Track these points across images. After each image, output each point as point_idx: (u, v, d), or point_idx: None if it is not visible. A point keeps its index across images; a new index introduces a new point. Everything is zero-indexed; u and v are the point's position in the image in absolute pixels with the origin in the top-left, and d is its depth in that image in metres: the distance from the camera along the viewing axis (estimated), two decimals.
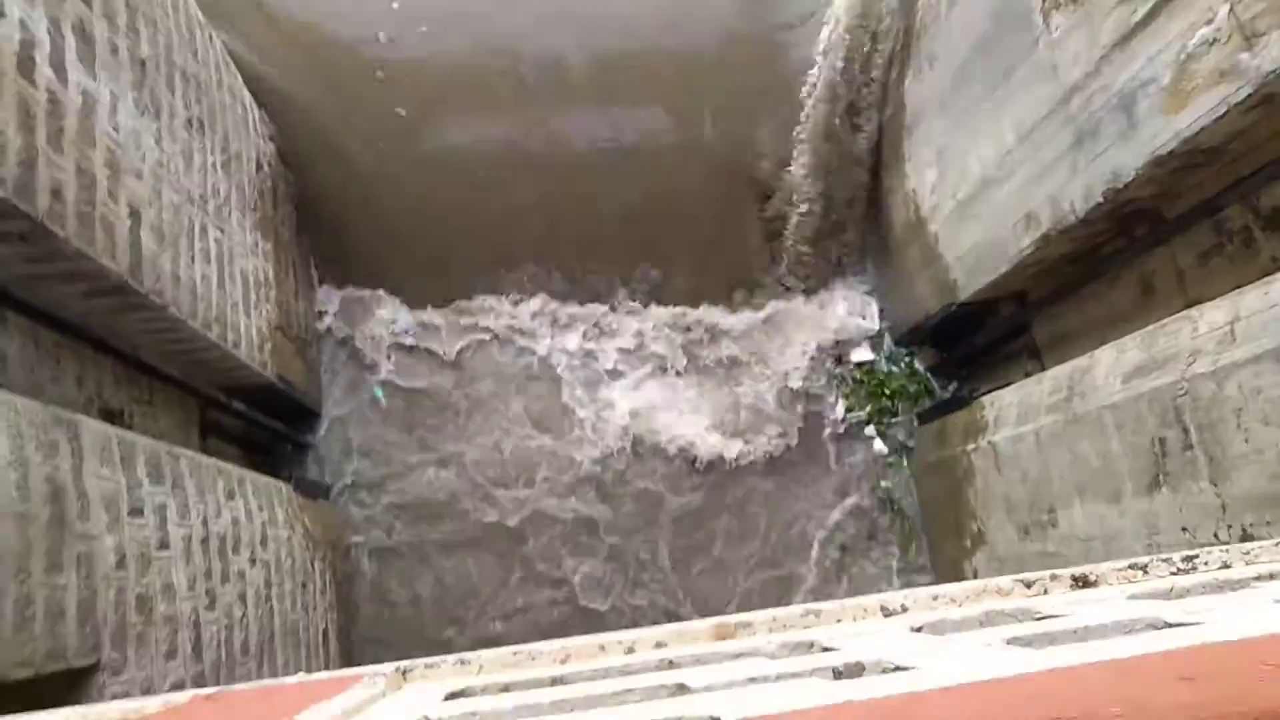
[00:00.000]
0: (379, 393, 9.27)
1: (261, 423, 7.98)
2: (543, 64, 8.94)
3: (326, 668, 7.53)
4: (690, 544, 9.34)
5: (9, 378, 4.69)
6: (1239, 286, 4.93)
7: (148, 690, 4.59)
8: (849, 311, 9.79)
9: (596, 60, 9.01)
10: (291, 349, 8.19)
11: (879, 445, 9.54)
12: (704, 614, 9.03)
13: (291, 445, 8.77)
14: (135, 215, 5.28)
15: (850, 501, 9.44)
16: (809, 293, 9.97)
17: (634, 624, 8.90)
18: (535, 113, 9.17)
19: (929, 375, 9.66)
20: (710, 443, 9.42)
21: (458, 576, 9.04)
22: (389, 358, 9.37)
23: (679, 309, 9.80)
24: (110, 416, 5.60)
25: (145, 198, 5.44)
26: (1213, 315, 4.91)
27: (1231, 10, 4.60)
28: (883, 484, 9.46)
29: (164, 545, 5.00)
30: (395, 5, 8.56)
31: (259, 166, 7.86)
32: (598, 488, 9.35)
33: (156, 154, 5.67)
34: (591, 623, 8.89)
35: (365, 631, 8.74)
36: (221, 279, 6.60)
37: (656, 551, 9.29)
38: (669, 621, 8.90)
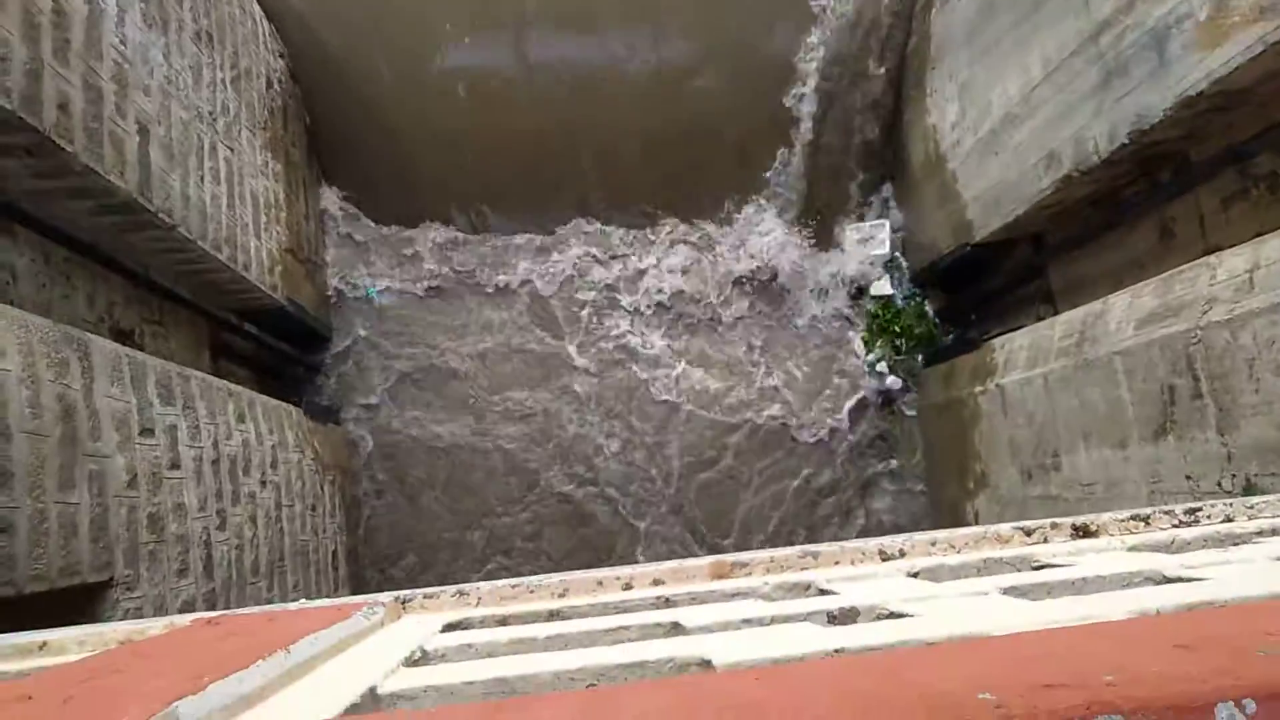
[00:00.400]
0: (372, 291, 9.32)
1: (272, 346, 8.01)
2: None
3: (335, 589, 7.70)
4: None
5: (19, 294, 4.69)
6: (1261, 234, 4.83)
7: (160, 606, 4.70)
8: (861, 239, 9.69)
9: None
10: (302, 272, 8.17)
11: (892, 380, 9.54)
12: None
13: (302, 369, 8.82)
14: (144, 132, 5.22)
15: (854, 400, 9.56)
16: (823, 222, 9.83)
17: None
18: (548, 33, 8.97)
19: (935, 319, 9.60)
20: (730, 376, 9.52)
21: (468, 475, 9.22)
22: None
23: (687, 235, 9.72)
24: (121, 336, 5.62)
25: (154, 114, 5.36)
26: (1232, 262, 4.82)
27: None
28: (886, 381, 9.54)
29: (175, 465, 5.07)
30: None
31: (269, 84, 7.73)
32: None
33: (165, 69, 5.57)
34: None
35: (380, 544, 8.95)
36: (231, 199, 6.54)
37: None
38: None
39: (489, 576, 8.99)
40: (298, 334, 8.49)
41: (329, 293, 9.22)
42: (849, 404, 9.58)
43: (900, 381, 9.50)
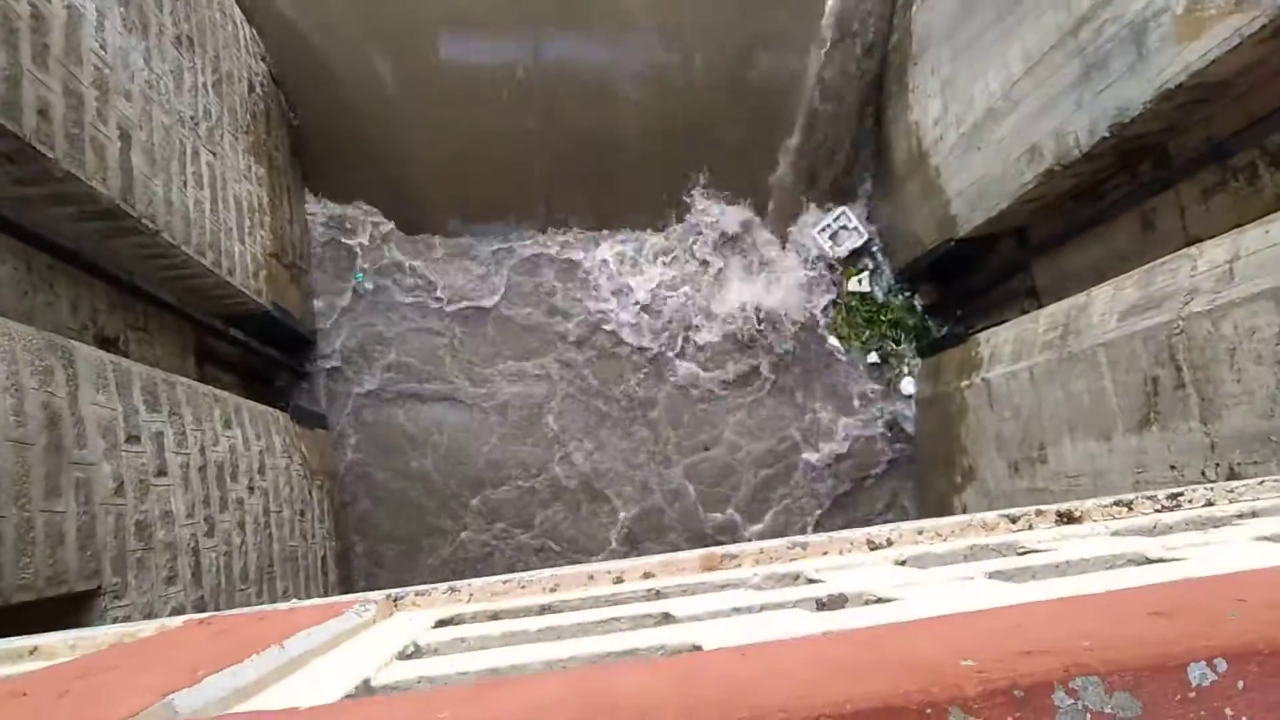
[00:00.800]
0: (360, 277, 9.34)
1: (258, 350, 7.98)
2: None
3: (325, 594, 7.68)
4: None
5: (1, 302, 4.67)
6: (1240, 224, 4.88)
7: (149, 614, 4.69)
8: (830, 235, 9.76)
9: None
10: (286, 276, 8.14)
11: (907, 382, 9.59)
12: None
13: (289, 373, 8.79)
14: (125, 137, 5.20)
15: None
16: (797, 216, 9.89)
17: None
18: (536, 32, 8.99)
19: (925, 313, 9.65)
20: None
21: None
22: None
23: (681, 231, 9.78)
24: (106, 343, 5.60)
25: (135, 119, 5.34)
26: (1213, 253, 4.88)
27: None
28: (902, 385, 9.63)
29: (162, 472, 5.05)
30: None
31: (251, 87, 7.71)
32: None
33: (146, 74, 5.55)
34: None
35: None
36: (215, 204, 6.52)
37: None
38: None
39: (483, 554, 9.05)
40: (283, 338, 8.46)
41: (325, 301, 9.21)
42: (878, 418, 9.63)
43: (915, 384, 9.54)
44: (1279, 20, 4.45)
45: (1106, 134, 5.84)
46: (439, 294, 9.40)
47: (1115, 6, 5.51)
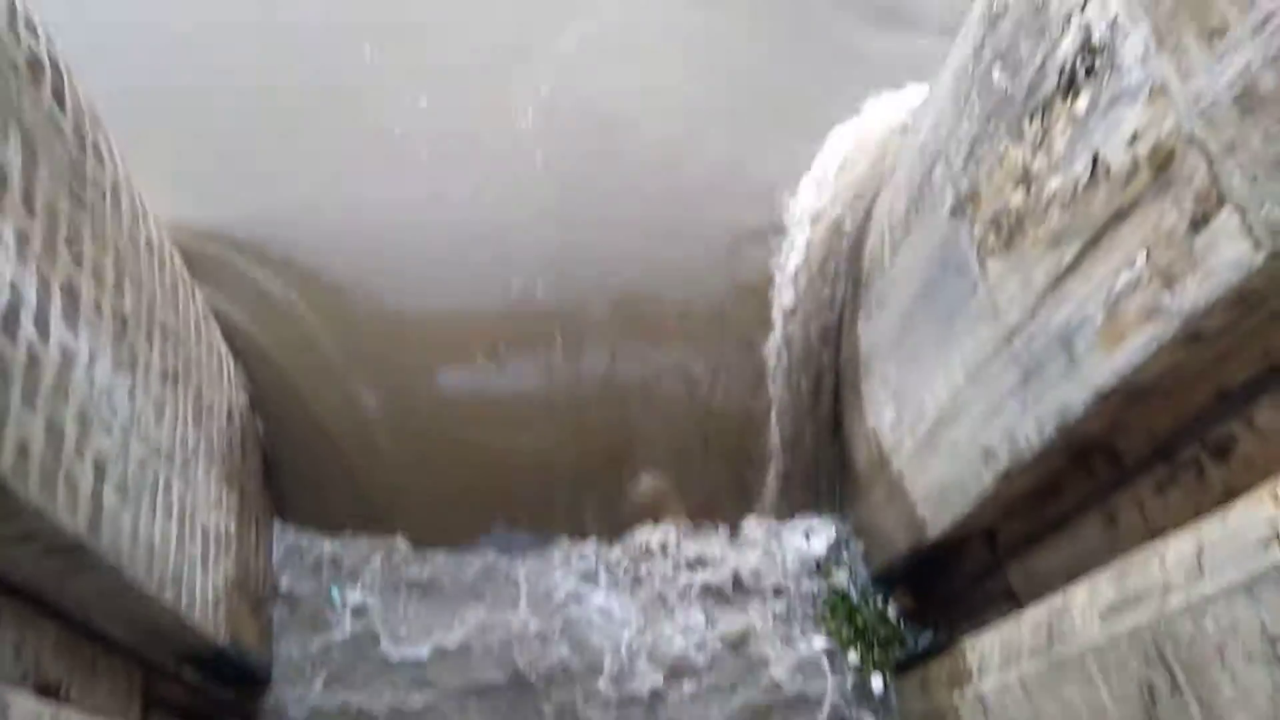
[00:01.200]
0: (335, 593, 8.88)
1: (208, 692, 7.48)
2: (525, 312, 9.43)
3: None
4: None
5: None
6: (1199, 513, 4.94)
7: None
8: (803, 535, 9.80)
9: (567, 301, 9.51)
10: (247, 608, 7.83)
11: (877, 683, 9.18)
12: None
13: (240, 718, 8.17)
14: (100, 471, 5.16)
15: None
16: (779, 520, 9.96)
17: None
18: (524, 361, 9.49)
19: (901, 622, 9.44)
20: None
21: None
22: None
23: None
24: (47, 689, 5.22)
25: (113, 453, 5.34)
26: (1179, 547, 4.87)
27: (1149, 256, 4.93)
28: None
29: None
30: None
31: (230, 418, 7.89)
32: None
33: (128, 409, 5.64)
34: None
35: None
36: (181, 537, 6.38)
37: None
38: None
39: None
40: (238, 676, 7.97)
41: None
42: None
43: (882, 685, 9.12)
44: (1190, 328, 4.79)
45: (1053, 435, 6.03)
46: (410, 627, 9.00)
47: (1040, 319, 5.90)
